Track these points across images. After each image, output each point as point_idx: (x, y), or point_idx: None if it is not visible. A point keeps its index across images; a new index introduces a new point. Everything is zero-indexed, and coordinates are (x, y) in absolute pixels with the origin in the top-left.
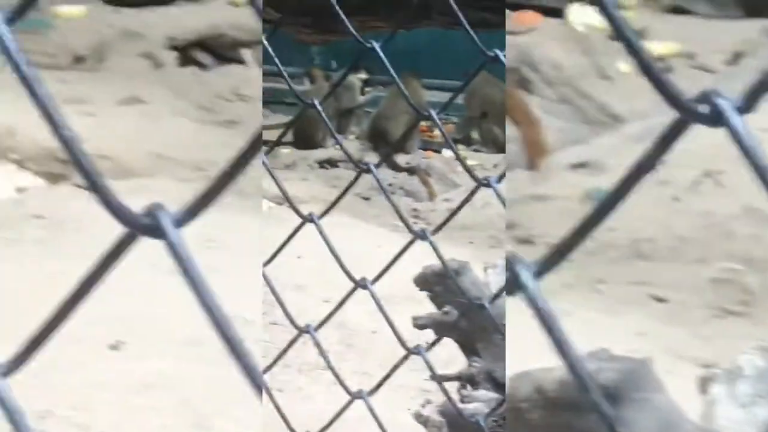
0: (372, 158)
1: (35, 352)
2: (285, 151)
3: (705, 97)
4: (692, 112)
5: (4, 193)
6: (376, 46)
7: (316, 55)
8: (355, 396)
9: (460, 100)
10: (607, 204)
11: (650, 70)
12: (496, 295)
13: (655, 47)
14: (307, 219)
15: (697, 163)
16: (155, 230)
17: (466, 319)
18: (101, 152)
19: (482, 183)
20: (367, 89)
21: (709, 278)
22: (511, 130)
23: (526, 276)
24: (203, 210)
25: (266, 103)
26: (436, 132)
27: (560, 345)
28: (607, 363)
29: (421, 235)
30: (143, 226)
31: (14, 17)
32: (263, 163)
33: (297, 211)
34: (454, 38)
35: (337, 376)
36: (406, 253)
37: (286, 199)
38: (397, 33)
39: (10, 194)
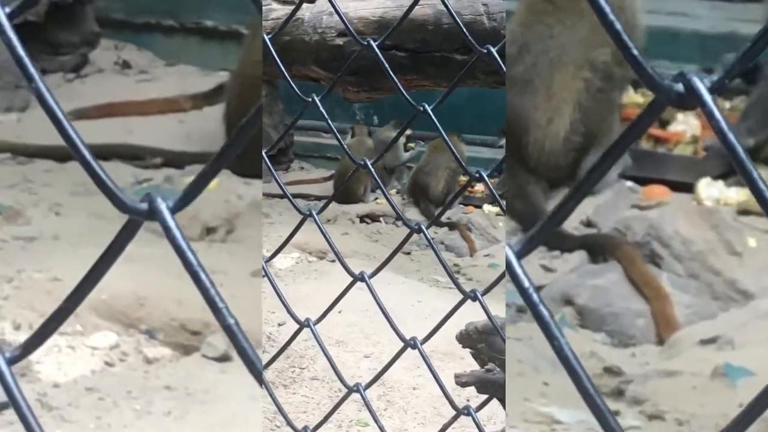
0: (412, 214)
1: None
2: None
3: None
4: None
5: (134, 363)
6: (428, 108)
7: (357, 111)
8: None
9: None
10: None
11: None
12: None
13: None
14: (358, 278)
15: None
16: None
17: None
18: None
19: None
20: (410, 145)
21: None
22: (639, 304)
23: None
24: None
25: (307, 156)
26: (477, 187)
27: None
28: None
29: (471, 296)
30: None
31: (179, 206)
32: (314, 218)
33: (348, 270)
34: (494, 95)
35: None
36: (445, 309)
37: (338, 259)
38: (448, 95)
39: (139, 365)
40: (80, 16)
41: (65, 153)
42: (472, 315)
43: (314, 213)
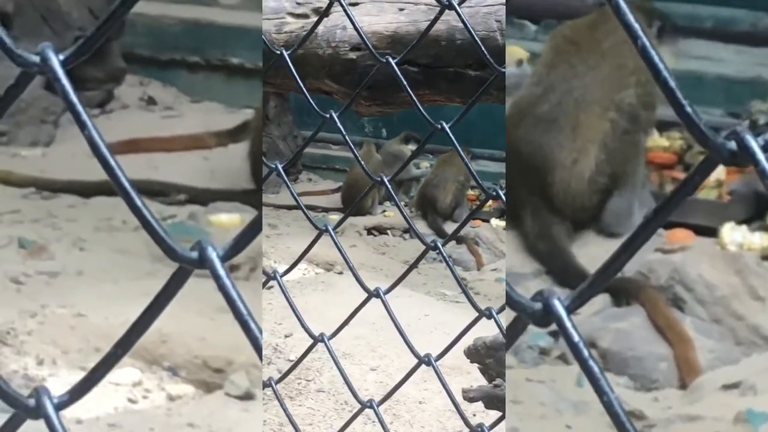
0: (419, 228)
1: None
2: (333, 218)
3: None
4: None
5: (157, 400)
6: (446, 126)
7: (366, 123)
8: None
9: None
10: None
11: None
12: None
13: None
14: (373, 294)
15: None
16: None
17: None
18: (254, 362)
19: None
20: (423, 164)
21: None
22: (662, 348)
23: None
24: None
25: (315, 168)
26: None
27: None
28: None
29: (486, 314)
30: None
31: (229, 255)
32: (330, 234)
33: (363, 286)
34: (501, 111)
35: None
36: (452, 323)
37: (354, 276)
38: (467, 113)
39: (162, 402)
40: (106, 51)
41: (89, 188)
42: (480, 330)
43: (330, 228)
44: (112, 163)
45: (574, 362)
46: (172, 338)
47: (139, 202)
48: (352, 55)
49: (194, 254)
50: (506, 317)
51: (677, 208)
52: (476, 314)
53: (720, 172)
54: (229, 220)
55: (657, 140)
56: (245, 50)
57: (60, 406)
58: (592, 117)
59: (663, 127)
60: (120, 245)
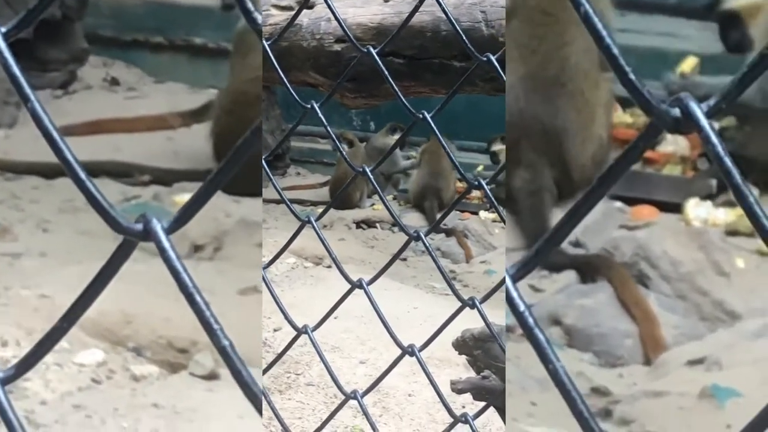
0: (409, 220)
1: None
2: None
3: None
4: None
5: (121, 381)
6: (428, 116)
7: (354, 116)
8: None
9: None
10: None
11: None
12: None
13: None
14: (356, 285)
15: None
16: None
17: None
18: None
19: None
20: (411, 153)
21: None
22: (627, 325)
23: None
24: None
25: (303, 162)
26: (473, 193)
27: None
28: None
29: (469, 304)
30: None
31: (174, 227)
32: (313, 225)
33: (346, 277)
34: (489, 102)
35: None
36: (441, 315)
37: (336, 266)
38: (447, 103)
39: (126, 383)
40: (69, 32)
41: (53, 170)
42: (468, 322)
43: (313, 220)
44: (55, 135)
45: None
46: (137, 319)
47: (82, 175)
48: (337, 47)
49: (138, 226)
50: (490, 307)
51: (622, 174)
52: (466, 307)
53: (684, 148)
54: None
55: (621, 116)
56: (208, 30)
57: (6, 380)
58: (591, 84)
59: (626, 103)
60: (84, 226)
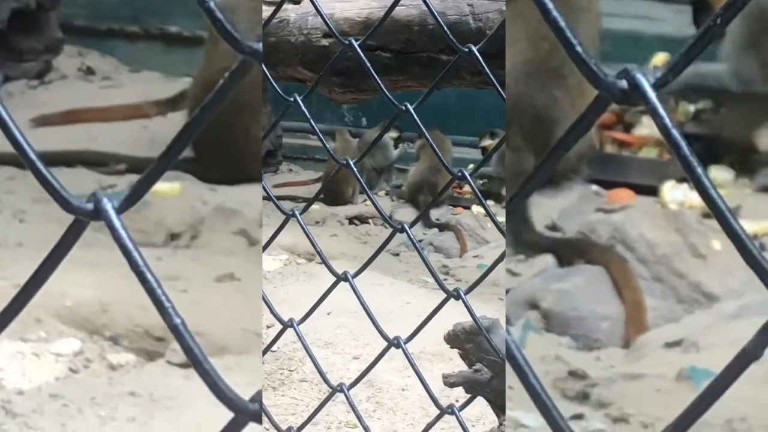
0: (402, 215)
1: None
2: (315, 207)
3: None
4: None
5: (98, 369)
6: (410, 108)
7: (346, 113)
8: None
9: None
10: (712, 391)
11: (572, 50)
12: None
13: (747, 225)
14: (341, 278)
15: None
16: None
17: (497, 377)
18: (196, 329)
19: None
20: (400, 145)
21: None
22: (604, 308)
23: None
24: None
25: (296, 158)
26: (466, 188)
27: None
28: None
29: (454, 295)
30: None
31: (125, 206)
32: (298, 220)
33: (331, 270)
34: (480, 96)
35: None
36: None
37: (321, 259)
38: (430, 95)
39: (103, 371)
40: (43, 22)
41: None
42: (461, 316)
43: (297, 213)
44: (4, 115)
45: (515, 323)
46: (113, 307)
47: (33, 155)
48: (325, 42)
49: (89, 206)
50: (480, 300)
51: (572, 146)
52: (459, 301)
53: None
54: (170, 188)
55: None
56: (183, 18)
57: None
58: None
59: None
60: (59, 216)
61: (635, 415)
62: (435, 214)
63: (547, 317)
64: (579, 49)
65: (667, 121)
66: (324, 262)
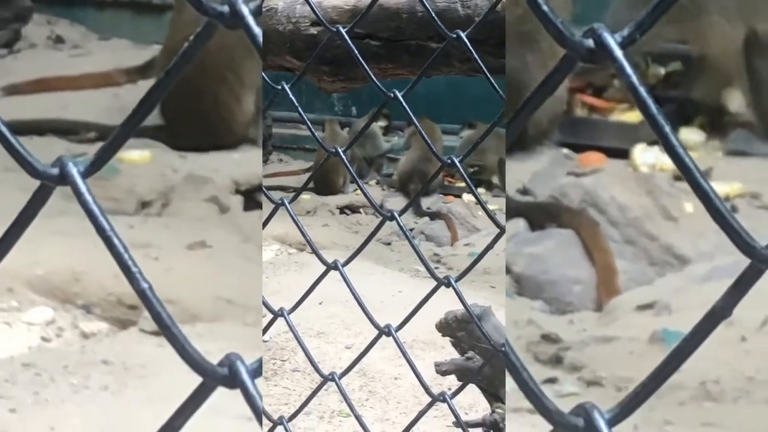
0: (393, 204)
1: None
2: (306, 197)
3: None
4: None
5: (71, 338)
6: (399, 95)
7: (336, 102)
8: None
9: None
10: (682, 350)
11: (721, 216)
12: None
13: (718, 187)
14: (331, 266)
15: (764, 304)
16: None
17: (489, 364)
18: (167, 297)
19: (504, 229)
20: (392, 137)
21: None
22: (576, 271)
23: (601, 423)
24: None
25: (286, 148)
26: (457, 176)
27: None
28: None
29: (444, 282)
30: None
31: (90, 170)
32: (287, 209)
33: (321, 259)
34: (471, 84)
35: (362, 424)
36: (430, 299)
37: (311, 247)
38: (418, 82)
39: (76, 340)
40: None
41: None
42: (452, 304)
43: (286, 202)
44: None
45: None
46: (86, 276)
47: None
48: (313, 31)
49: (55, 171)
50: (473, 288)
51: (539, 105)
52: (450, 289)
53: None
54: (141, 156)
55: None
56: None
57: None
58: None
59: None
60: (31, 184)
61: (608, 378)
62: (426, 202)
63: (519, 281)
64: (545, 8)
65: (633, 79)
66: (314, 251)
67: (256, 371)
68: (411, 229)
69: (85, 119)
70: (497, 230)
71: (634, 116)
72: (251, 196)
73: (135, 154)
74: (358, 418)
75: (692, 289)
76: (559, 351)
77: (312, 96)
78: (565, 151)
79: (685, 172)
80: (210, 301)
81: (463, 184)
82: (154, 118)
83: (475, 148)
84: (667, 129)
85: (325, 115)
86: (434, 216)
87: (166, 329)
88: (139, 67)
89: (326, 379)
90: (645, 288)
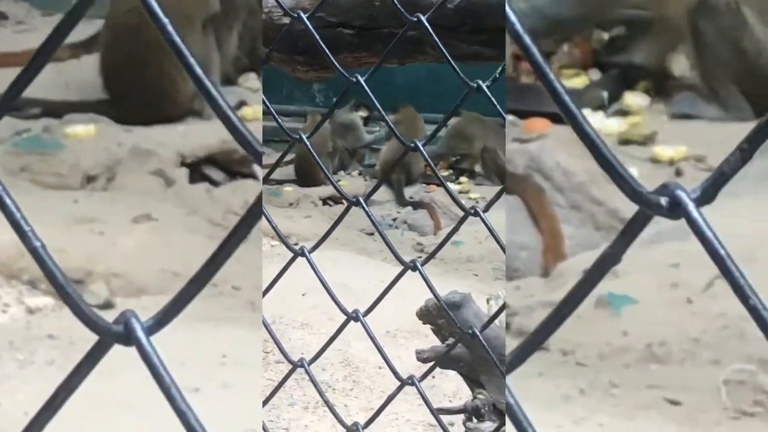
0: (376, 195)
1: None
2: (288, 189)
3: (664, 189)
4: (652, 204)
5: (16, 314)
6: (361, 79)
7: (317, 93)
8: (352, 429)
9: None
10: (573, 296)
11: (608, 163)
12: (487, 324)
13: (663, 151)
14: (298, 253)
15: (710, 265)
16: (127, 338)
17: (470, 351)
18: (113, 271)
19: (469, 212)
20: (373, 127)
21: (723, 380)
22: (523, 237)
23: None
24: (174, 317)
25: (268, 141)
26: (440, 165)
27: None
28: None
29: (411, 266)
30: (118, 334)
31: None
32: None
33: (288, 246)
34: (451, 72)
35: (331, 408)
36: (408, 288)
37: (278, 235)
38: (381, 67)
39: (21, 315)
40: None
41: None
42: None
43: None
44: None
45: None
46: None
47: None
48: (286, 20)
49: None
50: (457, 276)
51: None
52: (435, 279)
53: (577, 61)
54: (85, 131)
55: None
56: None
57: None
58: None
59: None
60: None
61: (555, 342)
62: (409, 192)
63: None
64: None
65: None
66: (281, 239)
67: (152, 328)
68: (394, 219)
69: (28, 95)
70: (480, 219)
71: (579, 81)
72: (196, 169)
73: (79, 129)
74: (327, 403)
75: (638, 252)
76: (507, 317)
77: (292, 88)
78: (511, 117)
79: (569, 117)
80: (156, 273)
81: (446, 173)
82: (98, 92)
83: (435, 134)
84: (546, 69)
85: (306, 107)
86: (417, 205)
87: (60, 288)
88: (83, 43)
89: (295, 365)
90: (591, 253)
